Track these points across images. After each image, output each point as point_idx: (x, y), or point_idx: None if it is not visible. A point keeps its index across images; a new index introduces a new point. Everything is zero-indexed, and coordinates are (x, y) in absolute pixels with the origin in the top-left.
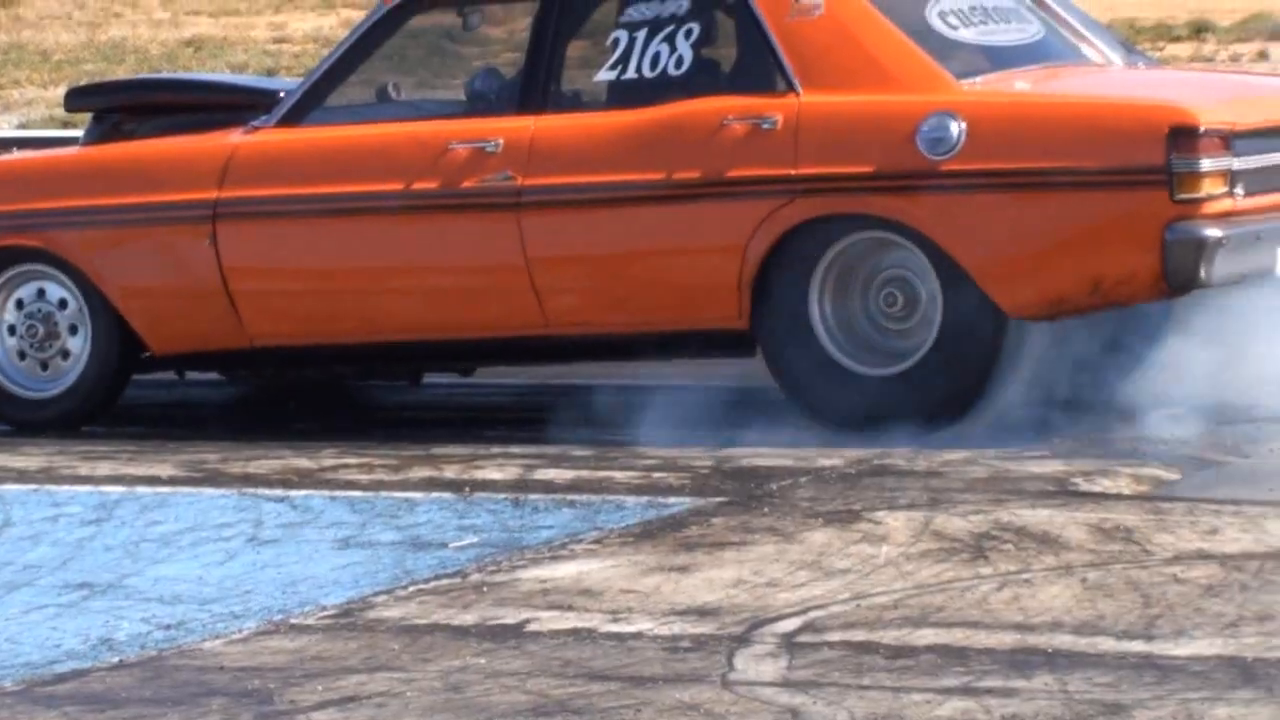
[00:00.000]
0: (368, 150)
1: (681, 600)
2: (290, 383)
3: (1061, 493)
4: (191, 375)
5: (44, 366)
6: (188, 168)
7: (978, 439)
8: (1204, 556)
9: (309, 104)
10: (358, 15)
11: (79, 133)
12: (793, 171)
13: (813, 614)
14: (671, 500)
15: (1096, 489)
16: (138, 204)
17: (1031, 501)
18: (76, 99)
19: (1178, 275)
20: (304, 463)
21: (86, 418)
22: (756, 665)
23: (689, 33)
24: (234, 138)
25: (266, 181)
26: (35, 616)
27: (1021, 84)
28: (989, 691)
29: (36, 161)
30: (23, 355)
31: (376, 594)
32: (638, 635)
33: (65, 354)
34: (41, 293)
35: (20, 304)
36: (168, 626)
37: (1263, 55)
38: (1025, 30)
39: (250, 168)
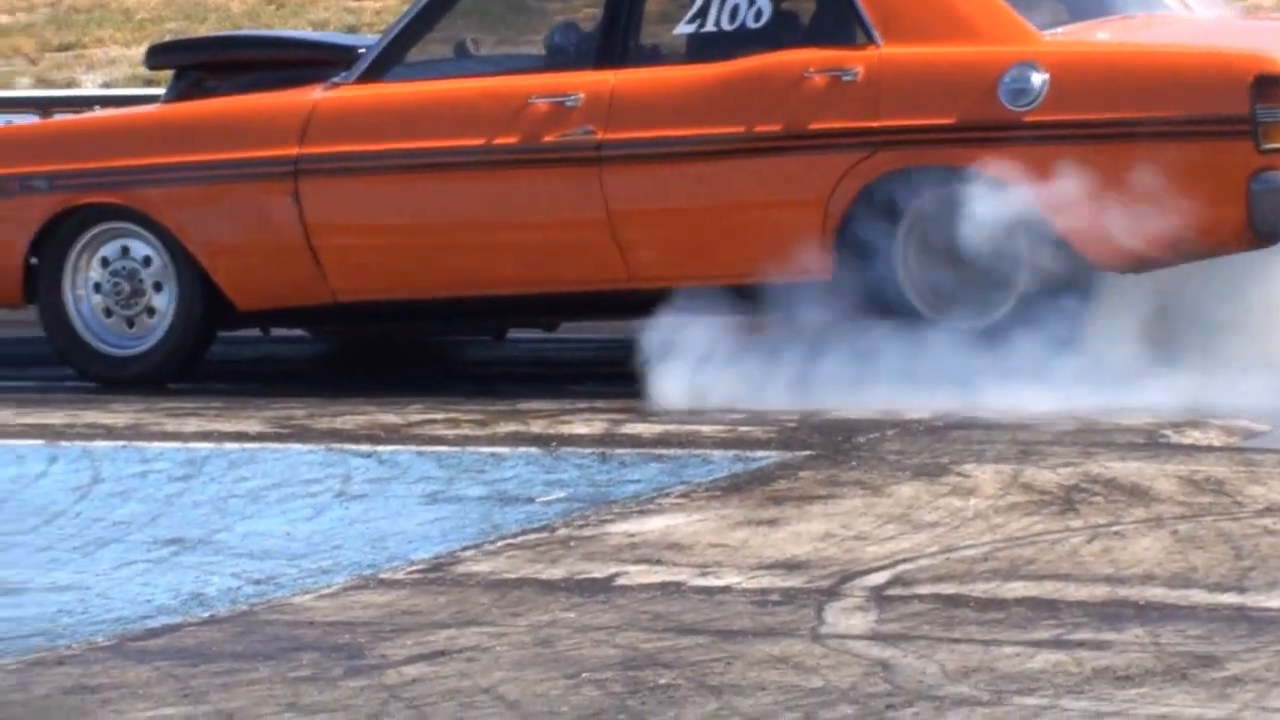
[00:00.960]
0: (448, 106)
1: (770, 554)
2: (375, 338)
3: (1151, 445)
4: (277, 331)
5: (130, 324)
6: (269, 124)
7: (1066, 392)
8: None
9: (389, 60)
10: None
11: (162, 91)
12: (874, 124)
13: (902, 567)
14: (759, 454)
15: (1186, 441)
16: (220, 161)
17: (1121, 453)
18: (158, 56)
19: (1264, 225)
20: (391, 418)
21: (173, 374)
22: (846, 618)
23: None
24: (315, 94)
25: (347, 137)
26: (126, 572)
27: (1103, 34)
28: (1080, 644)
29: (119, 119)
30: (109, 312)
31: (465, 549)
32: (726, 589)
33: (151, 311)
34: (126, 250)
35: (105, 261)
36: (258, 581)
37: None
38: None
39: (331, 124)
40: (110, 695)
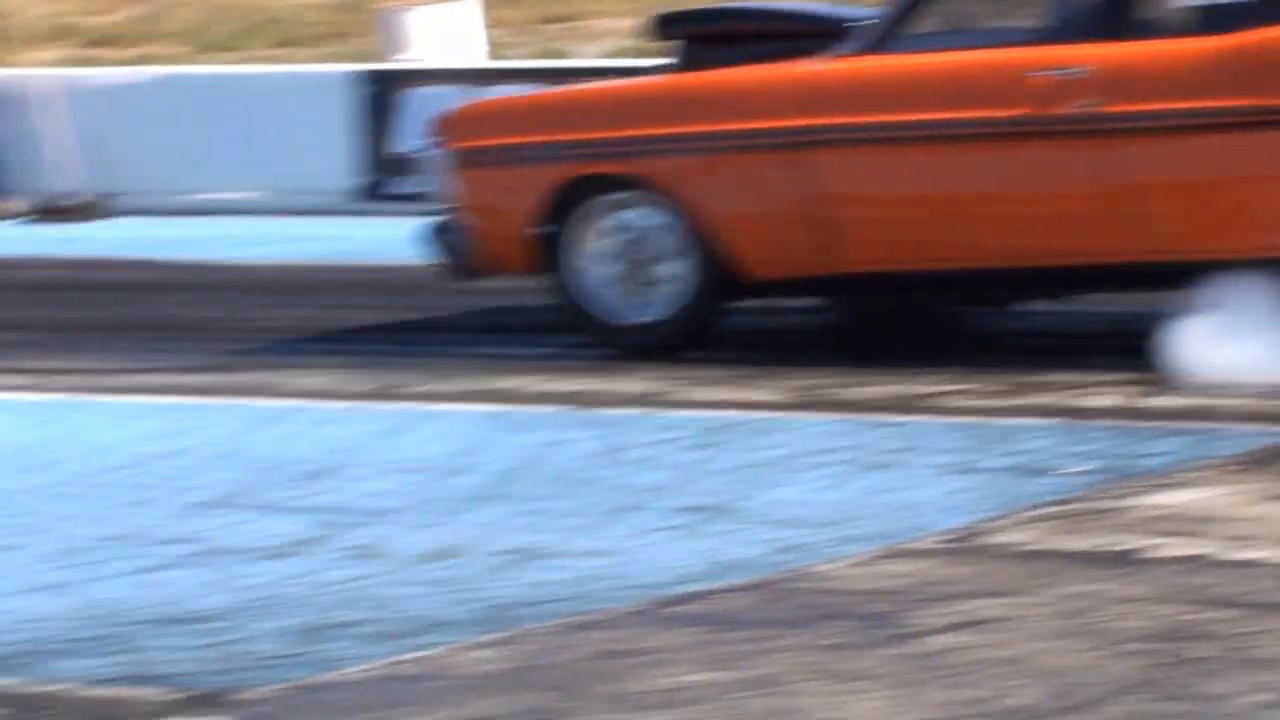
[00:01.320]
0: (952, 77)
1: None
2: (890, 309)
3: None
4: (788, 301)
5: (637, 293)
6: (780, 95)
7: None
8: None
9: (894, 31)
10: None
11: (650, 63)
12: None
13: None
14: None
15: None
16: (730, 131)
17: None
18: (665, 27)
19: None
20: (906, 388)
21: (682, 343)
22: None
23: None
24: (822, 65)
25: (857, 109)
26: (651, 538)
27: None
28: None
29: (626, 89)
30: (616, 282)
31: (989, 519)
32: (1256, 562)
33: (658, 281)
34: (632, 220)
35: (612, 231)
36: (783, 550)
37: None
38: None
39: (841, 95)
40: (641, 660)
